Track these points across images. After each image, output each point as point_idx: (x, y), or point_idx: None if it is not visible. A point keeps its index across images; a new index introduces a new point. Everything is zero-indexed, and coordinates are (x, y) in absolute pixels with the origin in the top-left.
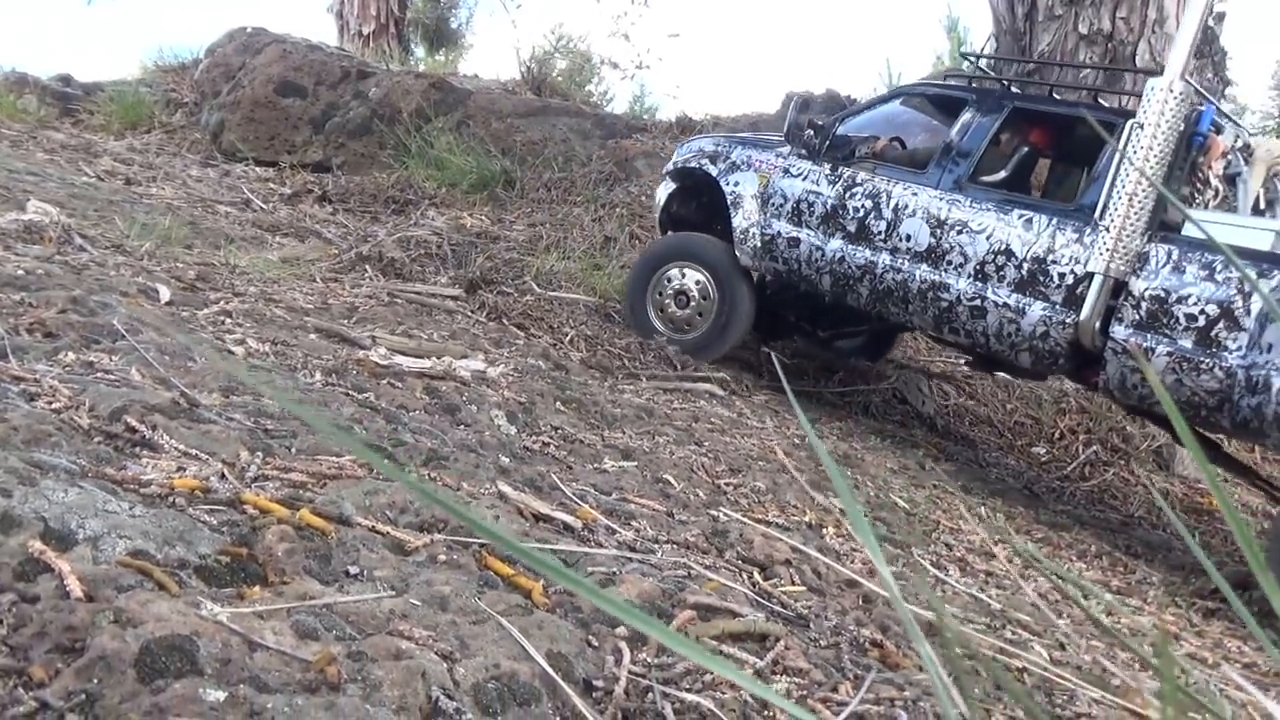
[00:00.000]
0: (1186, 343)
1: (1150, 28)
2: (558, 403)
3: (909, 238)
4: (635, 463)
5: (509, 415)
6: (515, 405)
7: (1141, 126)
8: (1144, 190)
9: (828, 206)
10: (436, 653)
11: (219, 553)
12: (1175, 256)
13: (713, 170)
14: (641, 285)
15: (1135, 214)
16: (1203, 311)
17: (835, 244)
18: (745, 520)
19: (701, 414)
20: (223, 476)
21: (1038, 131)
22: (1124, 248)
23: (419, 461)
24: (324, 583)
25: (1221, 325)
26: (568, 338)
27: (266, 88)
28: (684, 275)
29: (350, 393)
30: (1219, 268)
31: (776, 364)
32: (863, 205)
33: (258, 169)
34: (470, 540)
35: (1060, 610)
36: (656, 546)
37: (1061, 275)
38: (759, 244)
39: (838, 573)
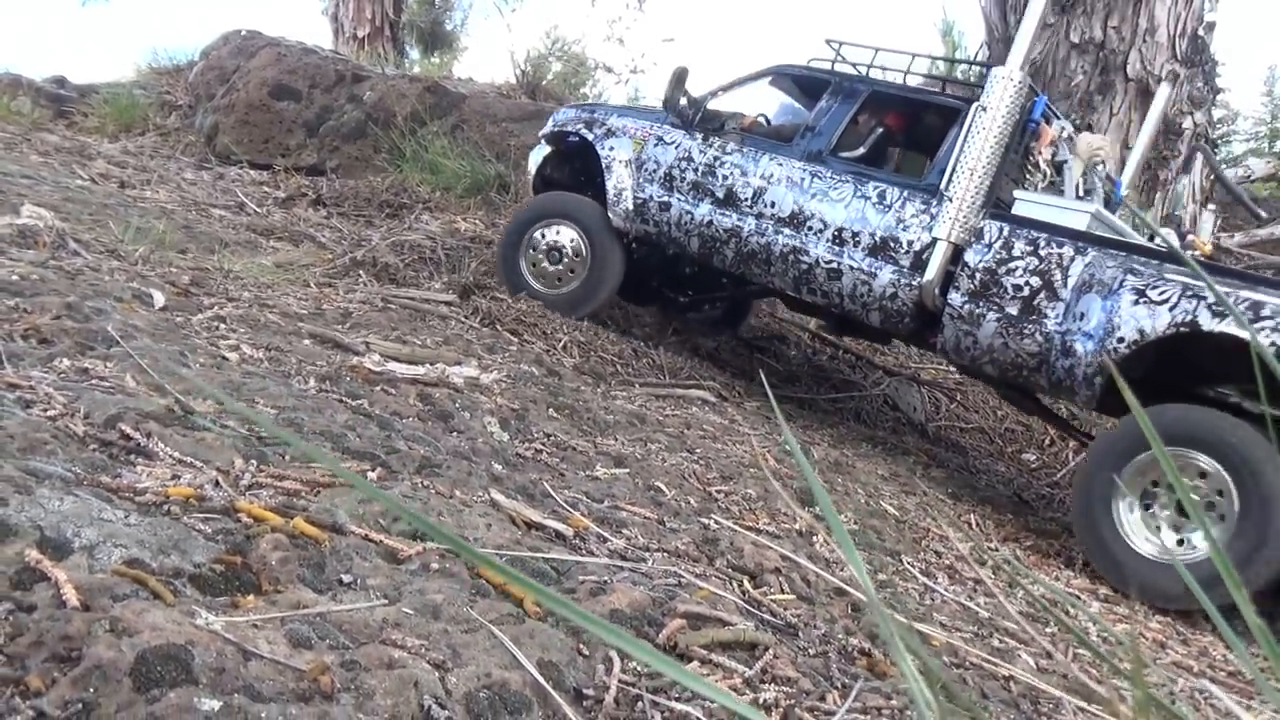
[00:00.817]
0: (1012, 310)
1: (1141, 36)
2: (550, 409)
3: (773, 204)
4: (627, 470)
5: (502, 422)
6: (508, 412)
7: (985, 110)
8: (983, 166)
9: (698, 173)
10: (429, 662)
11: (213, 561)
12: (1005, 232)
13: (589, 135)
14: (515, 241)
15: (975, 189)
16: (1027, 283)
17: (704, 209)
18: (736, 528)
19: (694, 421)
20: (217, 484)
21: (892, 115)
22: (964, 219)
23: (412, 469)
24: (317, 591)
25: (1042, 295)
26: (561, 344)
27: (261, 91)
28: (558, 232)
29: (344, 399)
30: (1042, 243)
31: (763, 378)
32: (731, 174)
33: (252, 172)
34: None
35: (1047, 619)
36: (647, 554)
37: (909, 242)
38: (631, 206)
39: (827, 581)
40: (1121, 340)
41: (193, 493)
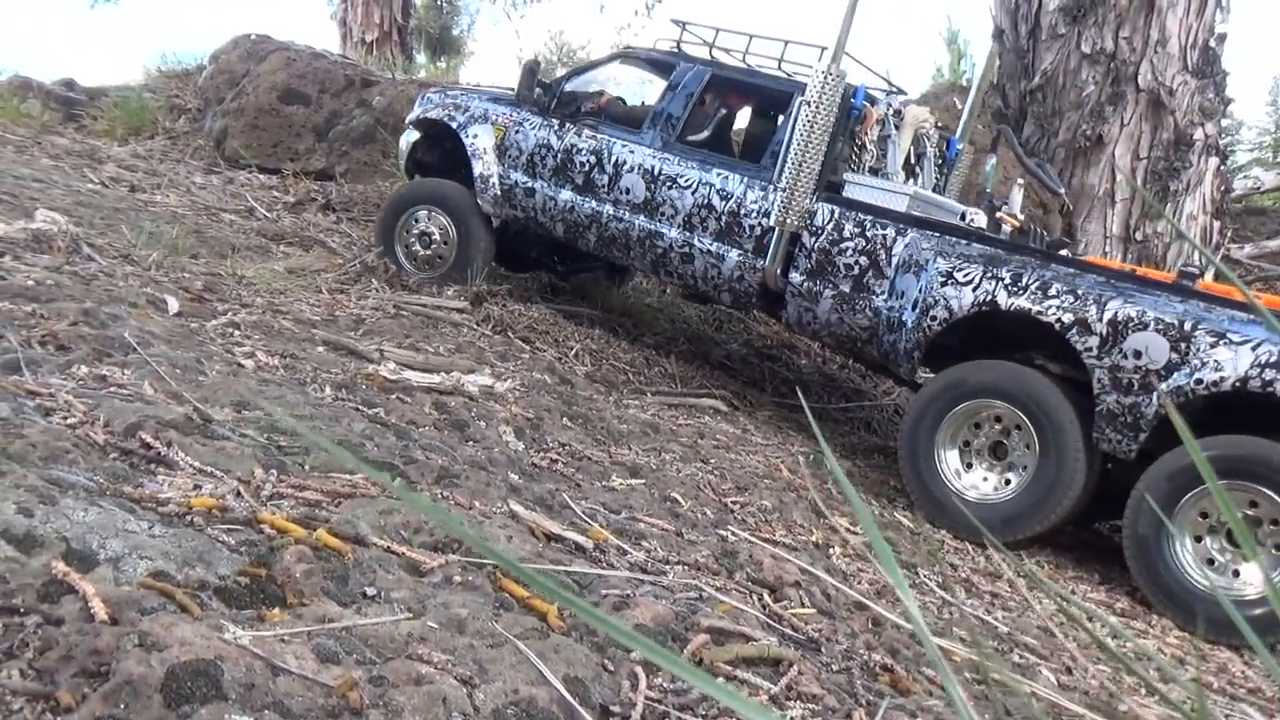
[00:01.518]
0: (845, 287)
1: (1153, 47)
2: (565, 419)
3: (628, 191)
4: (643, 480)
5: (517, 431)
6: (523, 421)
7: (808, 103)
8: (810, 156)
9: (557, 160)
10: (456, 677)
11: (238, 573)
12: (836, 215)
13: (453, 122)
14: (390, 227)
15: (804, 176)
16: (857, 262)
17: (565, 195)
18: (754, 540)
19: (707, 430)
20: (239, 495)
21: (734, 96)
22: (796, 205)
23: (431, 479)
24: (342, 604)
25: (870, 274)
26: (573, 352)
27: (270, 95)
28: (429, 218)
29: (360, 408)
30: (869, 225)
31: (802, 398)
32: (588, 160)
33: (261, 176)
34: (485, 561)
35: (1067, 632)
36: (667, 568)
37: (751, 227)
38: (499, 192)
39: (846, 595)
40: (934, 319)
41: (215, 503)
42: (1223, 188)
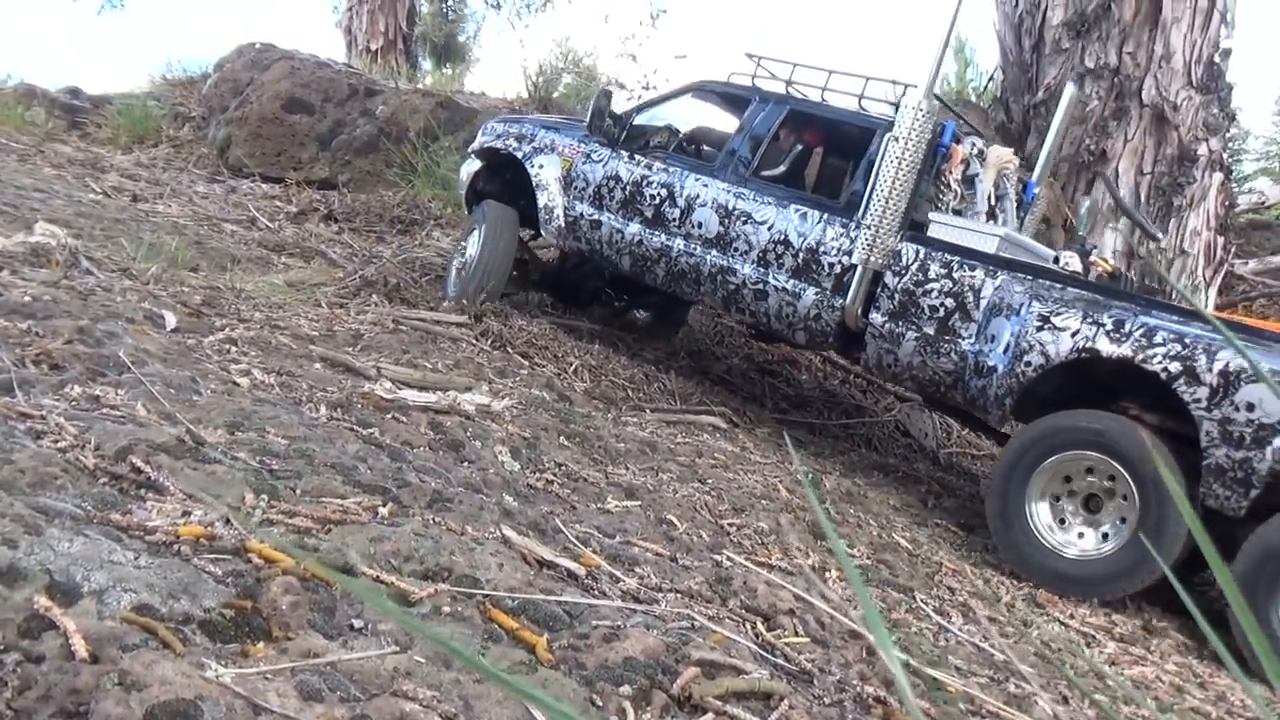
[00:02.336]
0: (929, 329)
1: (1157, 63)
2: (562, 437)
3: (700, 225)
4: (638, 502)
5: (513, 451)
6: (519, 441)
7: (896, 139)
8: (897, 194)
9: (626, 192)
10: (440, 715)
11: (223, 606)
12: (922, 255)
13: (518, 152)
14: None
15: (890, 214)
16: (943, 304)
17: (634, 228)
18: (749, 565)
19: (705, 449)
20: (227, 522)
21: (811, 132)
22: (880, 243)
23: (423, 503)
24: (328, 637)
25: (957, 316)
26: (572, 368)
27: (274, 104)
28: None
29: (355, 428)
30: (956, 266)
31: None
32: (658, 193)
33: (264, 185)
34: (474, 591)
35: (1064, 659)
36: (660, 595)
37: (831, 265)
38: (563, 224)
39: (841, 623)
40: (1029, 364)
41: (203, 532)
42: (1227, 203)
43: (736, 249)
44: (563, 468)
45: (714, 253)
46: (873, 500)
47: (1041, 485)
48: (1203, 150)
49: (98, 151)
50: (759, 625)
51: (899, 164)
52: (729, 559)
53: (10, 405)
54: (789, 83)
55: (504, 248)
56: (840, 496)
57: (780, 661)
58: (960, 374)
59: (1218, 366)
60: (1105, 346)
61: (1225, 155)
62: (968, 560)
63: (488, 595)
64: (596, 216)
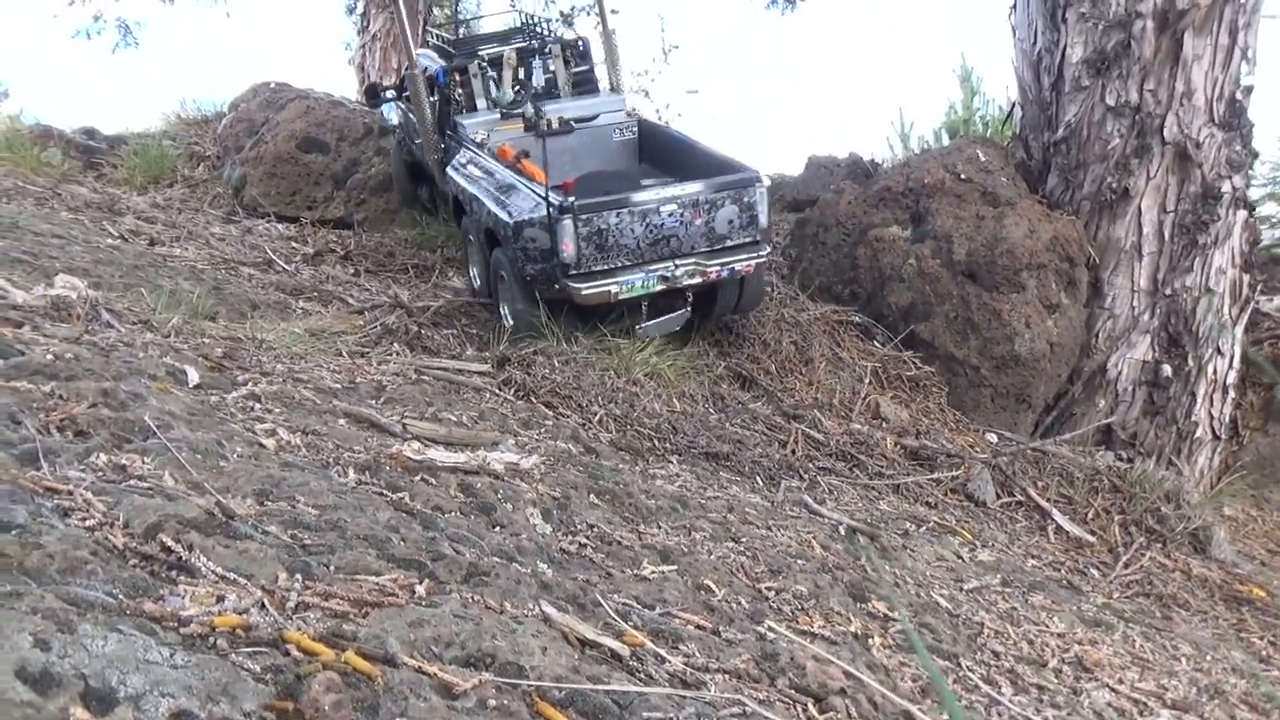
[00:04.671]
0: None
1: (1178, 100)
2: (592, 495)
3: None
4: (674, 566)
5: (544, 513)
6: (550, 501)
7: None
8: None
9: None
10: None
11: (264, 708)
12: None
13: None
14: None
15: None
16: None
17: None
18: (793, 636)
19: (735, 504)
20: (263, 606)
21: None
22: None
23: (459, 578)
24: None
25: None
26: (596, 417)
27: (289, 143)
28: None
29: (384, 492)
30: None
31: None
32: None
33: (279, 226)
34: (519, 681)
35: None
36: (707, 676)
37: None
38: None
39: (894, 703)
40: None
41: (239, 621)
42: (1251, 240)
43: None
44: (595, 529)
45: None
46: (906, 554)
47: None
48: (1226, 188)
49: (114, 192)
50: (811, 708)
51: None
52: (771, 628)
53: (37, 479)
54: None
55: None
56: (875, 552)
57: None
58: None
59: None
60: None
61: (1248, 191)
62: (1009, 620)
63: (534, 685)
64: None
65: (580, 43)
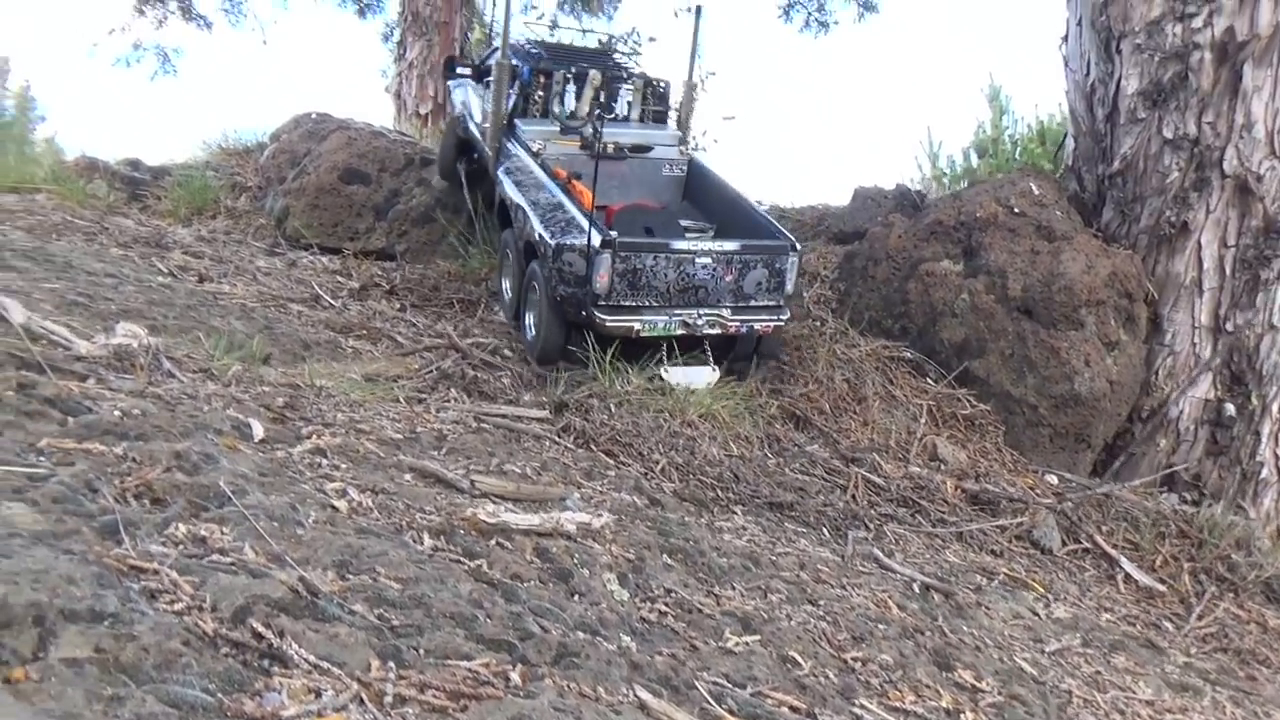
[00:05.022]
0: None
1: (1238, 133)
2: (664, 555)
3: None
4: (758, 636)
5: (620, 577)
6: (625, 564)
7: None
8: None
9: None
10: None
11: None
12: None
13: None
14: None
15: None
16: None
17: None
18: (886, 716)
19: (806, 560)
20: (360, 702)
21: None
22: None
23: (549, 658)
24: None
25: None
26: (658, 466)
27: (331, 175)
28: None
29: (462, 560)
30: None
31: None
32: None
33: (323, 258)
34: None
35: None
36: None
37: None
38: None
39: None
40: None
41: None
42: None
43: None
44: (672, 594)
45: None
46: (982, 613)
47: None
48: None
49: (159, 224)
50: None
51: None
52: (863, 706)
53: (122, 557)
54: None
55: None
56: (950, 611)
57: None
58: None
59: None
60: None
61: None
62: (1095, 686)
63: None
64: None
65: (663, 84)
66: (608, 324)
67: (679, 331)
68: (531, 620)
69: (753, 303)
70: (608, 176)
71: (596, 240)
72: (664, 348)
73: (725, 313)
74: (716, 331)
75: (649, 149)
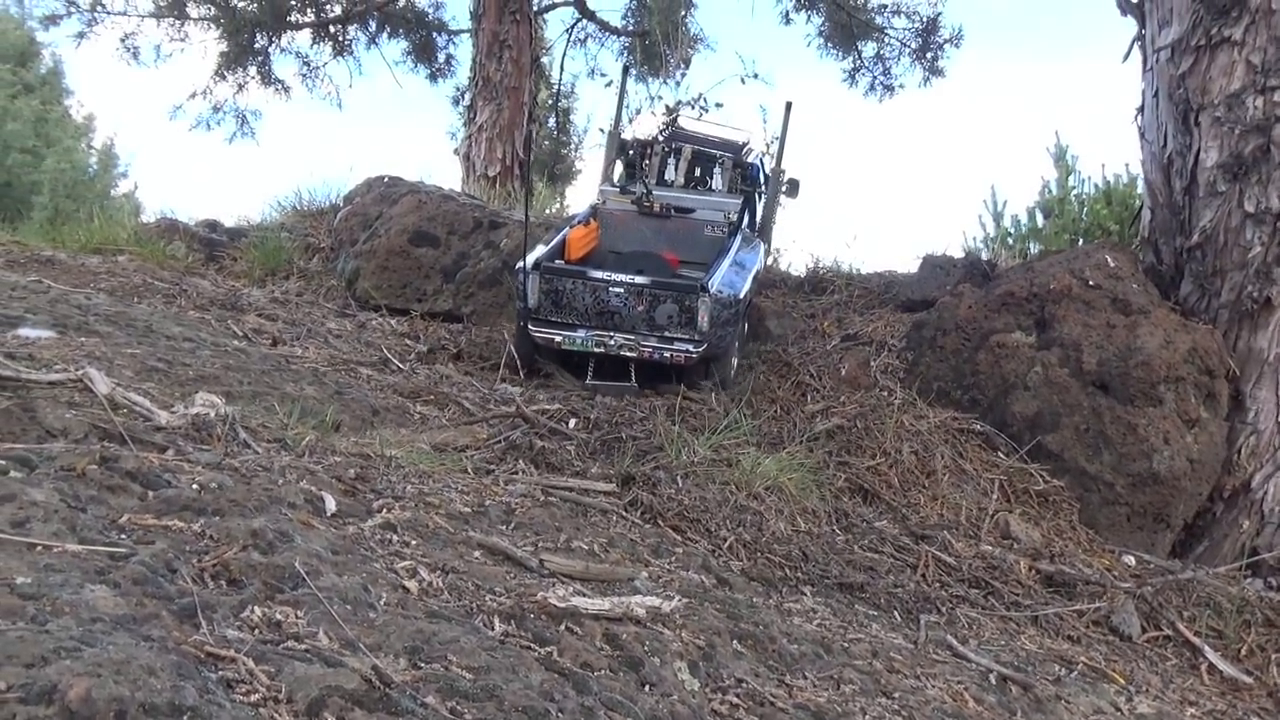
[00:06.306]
0: None
1: None
2: (735, 641)
3: None
4: None
5: (691, 665)
6: (695, 651)
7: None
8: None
9: None
10: None
11: None
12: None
13: None
14: None
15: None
16: None
17: None
18: None
19: (879, 647)
20: None
21: None
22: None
23: None
24: None
25: None
26: (726, 543)
27: (401, 238)
28: None
29: (532, 646)
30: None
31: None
32: None
33: (391, 321)
34: None
35: None
36: None
37: None
38: None
39: None
40: None
41: None
42: None
43: None
44: (744, 684)
45: None
46: (1062, 706)
47: None
48: None
49: (234, 284)
50: None
51: None
52: None
53: (200, 644)
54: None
55: None
56: (1029, 705)
57: None
58: None
59: None
60: None
61: None
62: None
63: None
64: None
65: (759, 173)
66: (536, 335)
67: (597, 349)
68: (603, 714)
69: (666, 334)
70: (656, 231)
71: (530, 263)
72: (591, 363)
73: (637, 338)
74: (632, 355)
75: (691, 210)
